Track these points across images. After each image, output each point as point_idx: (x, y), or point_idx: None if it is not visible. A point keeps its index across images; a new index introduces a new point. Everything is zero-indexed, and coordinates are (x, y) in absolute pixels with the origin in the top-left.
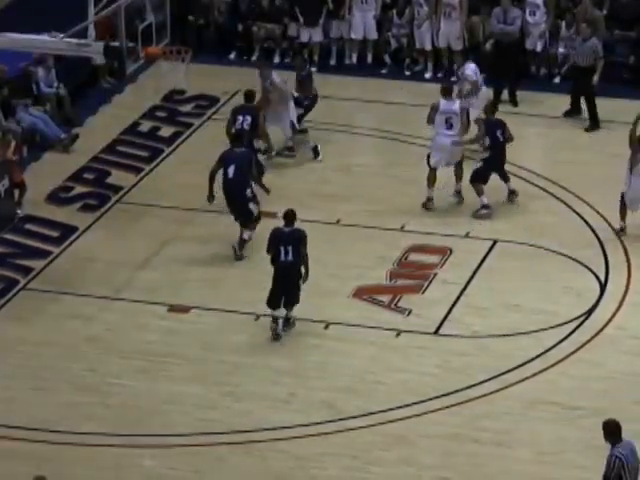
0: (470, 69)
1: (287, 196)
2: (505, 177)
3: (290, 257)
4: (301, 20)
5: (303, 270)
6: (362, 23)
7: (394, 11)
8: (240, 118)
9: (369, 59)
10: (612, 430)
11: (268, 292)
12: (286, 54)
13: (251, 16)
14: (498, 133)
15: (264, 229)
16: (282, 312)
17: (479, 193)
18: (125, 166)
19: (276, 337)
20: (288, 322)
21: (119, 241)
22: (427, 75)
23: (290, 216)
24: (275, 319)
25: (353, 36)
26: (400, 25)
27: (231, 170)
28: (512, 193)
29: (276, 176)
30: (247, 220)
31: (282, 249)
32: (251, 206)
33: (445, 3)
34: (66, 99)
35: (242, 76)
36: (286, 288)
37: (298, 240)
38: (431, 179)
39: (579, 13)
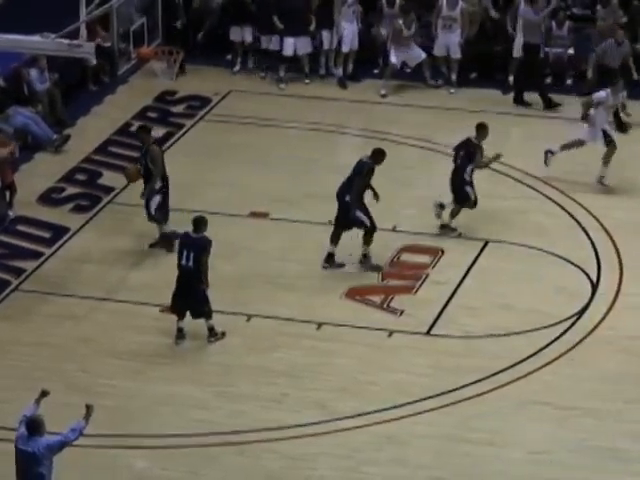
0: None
1: (279, 197)
2: None
3: (190, 263)
4: (280, 26)
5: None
6: (351, 34)
7: (383, 2)
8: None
9: (349, 69)
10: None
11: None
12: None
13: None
14: None
15: (256, 229)
16: (185, 324)
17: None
18: (117, 167)
19: (177, 343)
20: (211, 332)
21: (111, 242)
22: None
23: (198, 222)
24: (180, 329)
25: (344, 49)
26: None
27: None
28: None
29: (268, 177)
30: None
31: (184, 253)
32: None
33: (445, 16)
34: (58, 99)
35: (234, 77)
36: (186, 294)
37: (201, 248)
38: None
39: (607, 14)
